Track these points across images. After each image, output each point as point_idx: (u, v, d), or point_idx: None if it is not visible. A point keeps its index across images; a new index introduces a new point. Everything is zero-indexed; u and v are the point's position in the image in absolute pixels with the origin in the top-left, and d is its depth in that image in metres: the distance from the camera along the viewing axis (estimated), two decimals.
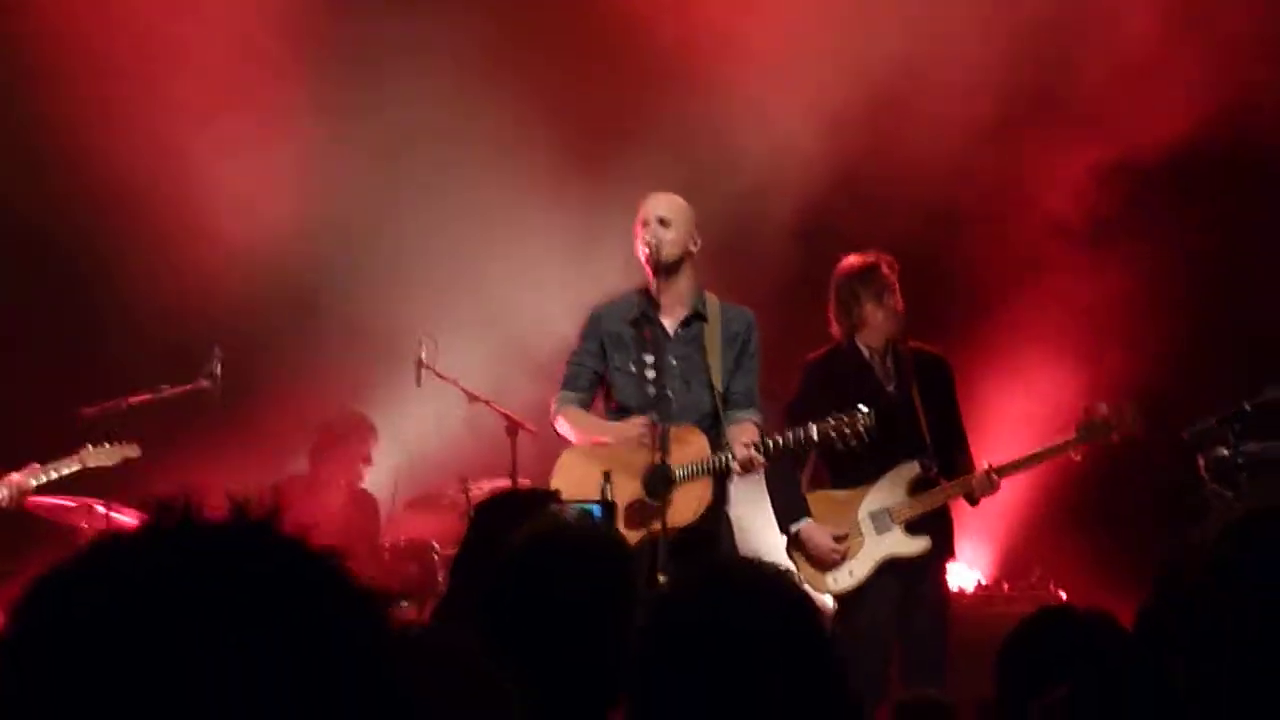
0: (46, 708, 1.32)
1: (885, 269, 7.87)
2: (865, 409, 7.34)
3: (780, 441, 7.37)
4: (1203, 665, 1.91)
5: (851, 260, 7.95)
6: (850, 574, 7.74)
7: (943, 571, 8.02)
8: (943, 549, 7.92)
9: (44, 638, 1.34)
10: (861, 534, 7.78)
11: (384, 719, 1.41)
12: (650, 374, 7.40)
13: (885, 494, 7.81)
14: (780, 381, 8.01)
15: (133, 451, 8.54)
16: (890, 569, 7.75)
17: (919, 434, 7.83)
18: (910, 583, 7.76)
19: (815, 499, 7.88)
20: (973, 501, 7.93)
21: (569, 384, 7.70)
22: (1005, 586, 9.56)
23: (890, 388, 7.89)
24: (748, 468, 7.33)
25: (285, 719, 1.34)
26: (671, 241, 7.49)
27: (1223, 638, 1.89)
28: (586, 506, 4.94)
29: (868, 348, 7.93)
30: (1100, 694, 2.81)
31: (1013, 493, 7.91)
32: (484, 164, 10.46)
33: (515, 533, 3.61)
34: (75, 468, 8.45)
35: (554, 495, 4.92)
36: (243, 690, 1.32)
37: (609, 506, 5.19)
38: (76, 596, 1.36)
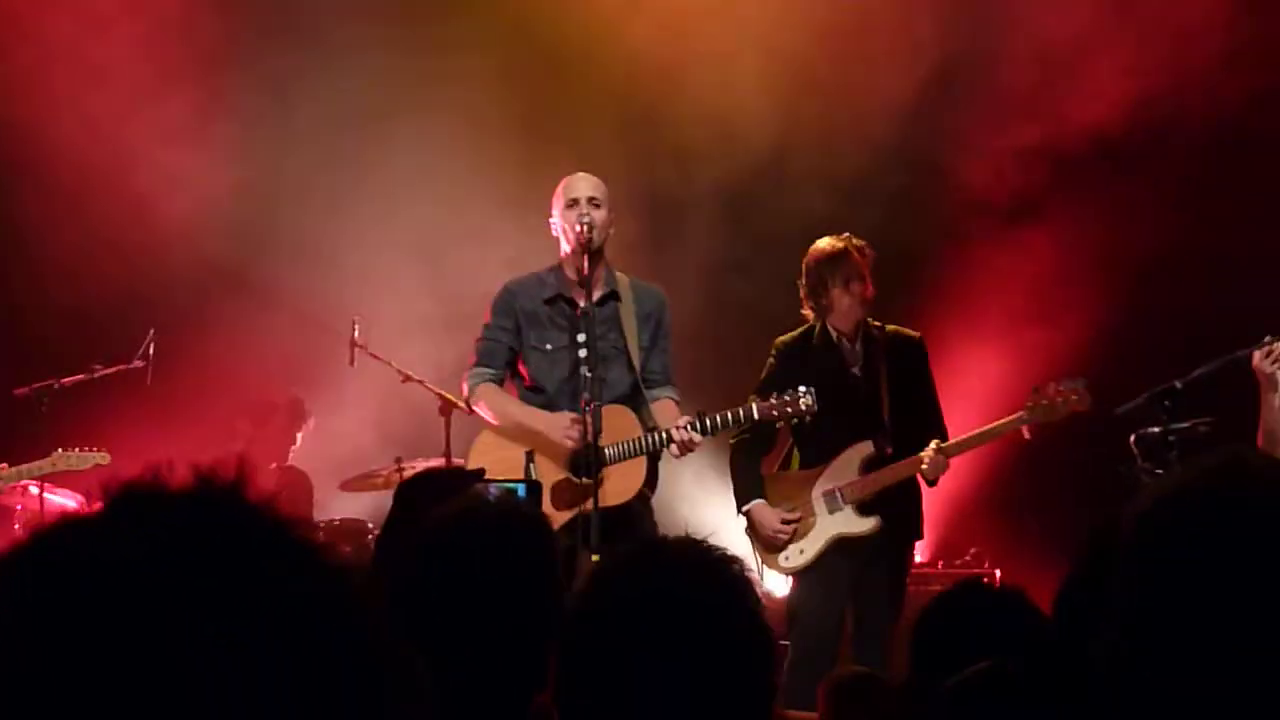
0: (20, 696, 1.26)
1: (855, 255, 7.91)
2: (805, 388, 7.40)
3: (718, 420, 7.41)
4: (1128, 642, 1.91)
5: (822, 245, 7.99)
6: (801, 552, 7.83)
7: (905, 552, 8.08)
8: (908, 529, 8.01)
9: (17, 622, 1.28)
10: (814, 513, 7.85)
11: (371, 687, 1.38)
12: (582, 353, 7.35)
13: (838, 474, 7.90)
14: (697, 353, 8.03)
15: (103, 458, 8.47)
16: (844, 548, 7.83)
17: (880, 415, 7.88)
18: (865, 562, 7.83)
19: (777, 479, 8.01)
20: (929, 481, 7.94)
21: (484, 360, 7.62)
22: (940, 564, 9.69)
23: (855, 369, 7.96)
24: (686, 448, 7.34)
25: (271, 690, 1.30)
26: (602, 221, 7.49)
27: (1147, 614, 1.90)
28: (511, 485, 4.90)
29: (836, 330, 8.00)
30: (1015, 671, 2.80)
31: (950, 471, 7.93)
32: (423, 141, 10.44)
33: (434, 510, 3.54)
34: (46, 471, 8.38)
35: (479, 474, 4.88)
36: (231, 668, 1.28)
37: (534, 486, 5.16)
38: (50, 580, 1.30)
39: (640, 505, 7.42)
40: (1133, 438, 7.27)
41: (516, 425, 7.44)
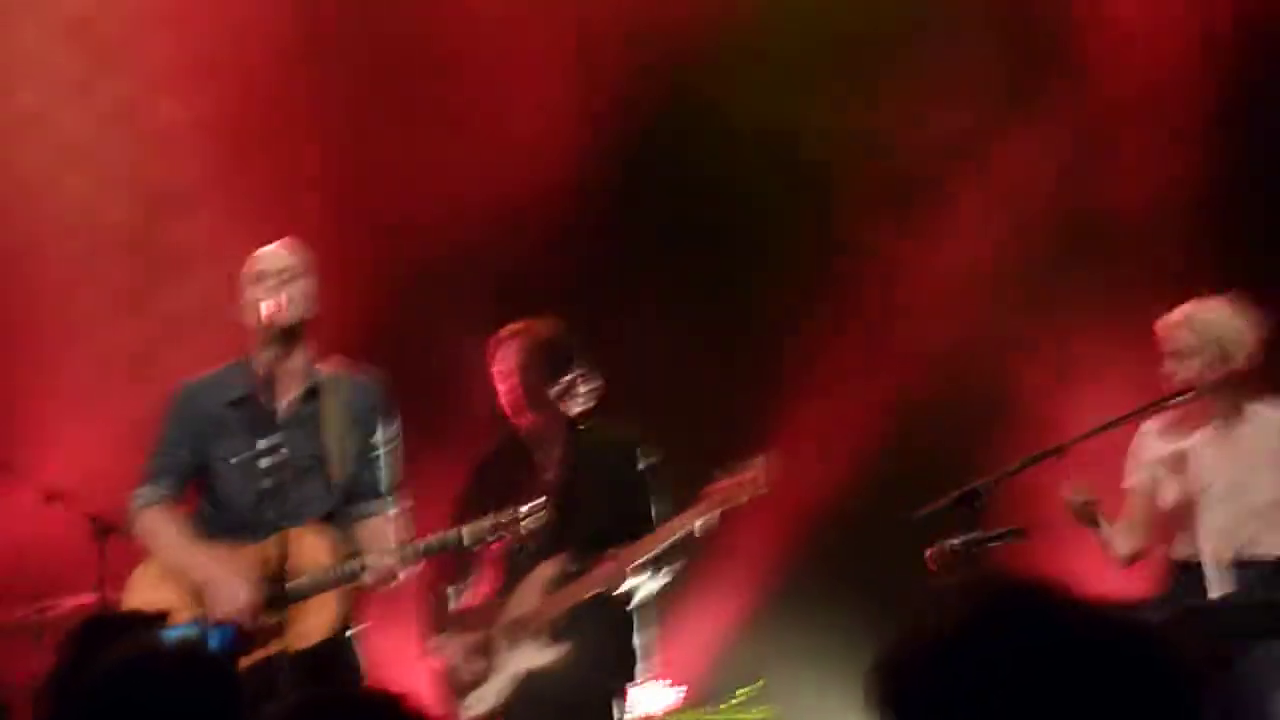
0: None
1: (499, 346, 7.45)
2: (525, 507, 6.76)
3: (423, 547, 6.72)
4: None
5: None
6: (480, 700, 7.27)
7: (615, 697, 7.39)
8: (609, 668, 7.34)
9: None
10: (498, 650, 7.31)
11: None
12: (263, 463, 6.64)
13: (523, 601, 7.33)
14: None
15: None
16: (536, 692, 7.24)
17: (580, 528, 7.28)
18: (564, 708, 7.21)
19: (467, 614, 7.44)
20: (607, 597, 7.30)
21: (154, 478, 6.81)
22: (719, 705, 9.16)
23: (549, 476, 7.35)
24: (385, 579, 6.60)
25: None
26: (296, 301, 6.69)
27: None
28: (205, 631, 4.39)
29: (534, 431, 7.42)
30: None
31: (721, 592, 7.36)
32: None
33: (104, 659, 3.45)
34: None
35: (162, 618, 4.65)
36: None
37: (237, 631, 4.55)
38: None
39: (336, 645, 6.64)
40: (928, 553, 6.79)
41: (178, 568, 6.67)
